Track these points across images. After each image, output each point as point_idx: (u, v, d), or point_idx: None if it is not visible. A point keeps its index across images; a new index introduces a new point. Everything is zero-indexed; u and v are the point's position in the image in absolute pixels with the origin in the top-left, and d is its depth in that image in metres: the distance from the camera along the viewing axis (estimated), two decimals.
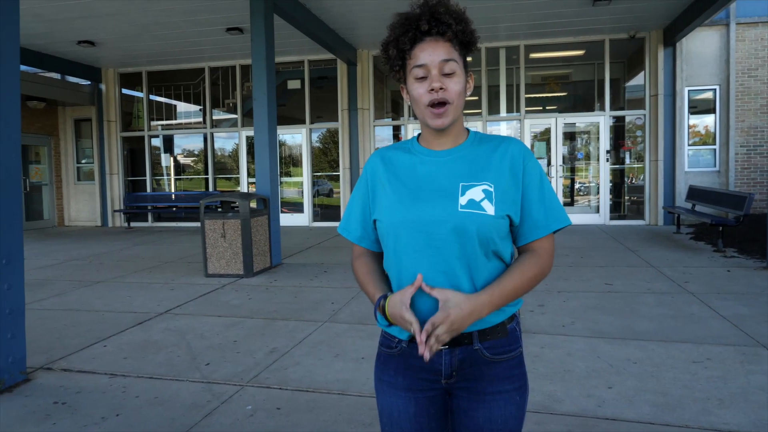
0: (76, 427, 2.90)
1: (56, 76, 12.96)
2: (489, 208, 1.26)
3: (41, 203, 13.84)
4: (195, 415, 3.02)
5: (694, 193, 9.57)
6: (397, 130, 12.64)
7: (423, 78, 1.27)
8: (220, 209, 7.20)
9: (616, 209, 11.68)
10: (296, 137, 12.86)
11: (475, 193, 1.27)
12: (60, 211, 14.14)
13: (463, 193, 1.27)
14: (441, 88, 1.25)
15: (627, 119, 11.54)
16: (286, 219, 12.61)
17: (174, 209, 13.25)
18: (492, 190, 1.28)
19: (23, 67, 11.71)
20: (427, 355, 1.19)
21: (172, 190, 13.77)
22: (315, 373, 3.59)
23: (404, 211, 1.29)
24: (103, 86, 13.38)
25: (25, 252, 9.16)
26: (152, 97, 13.59)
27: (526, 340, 4.11)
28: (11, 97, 3.52)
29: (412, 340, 1.34)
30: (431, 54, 1.25)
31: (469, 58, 1.36)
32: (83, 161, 14.13)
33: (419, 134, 1.42)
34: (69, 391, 3.40)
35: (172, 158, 13.76)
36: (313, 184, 12.83)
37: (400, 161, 1.38)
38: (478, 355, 1.31)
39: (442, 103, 1.27)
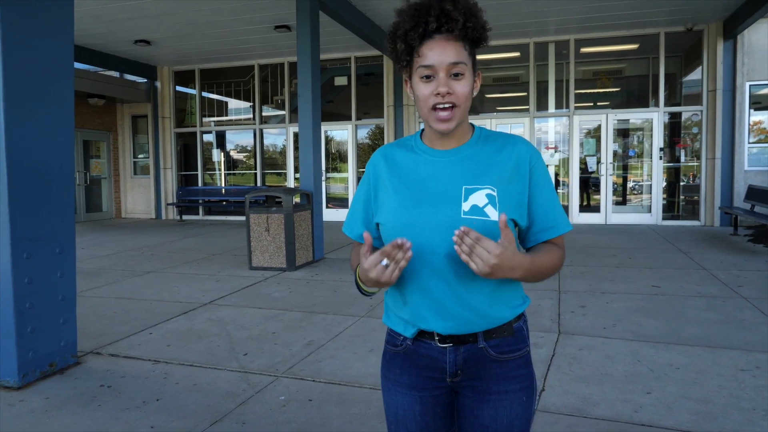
0: (118, 410, 3.05)
1: (115, 74, 13.55)
2: (493, 214, 1.23)
3: (100, 196, 14.52)
4: (230, 403, 3.12)
5: (753, 193, 9.09)
6: None
7: (429, 78, 1.23)
8: (265, 204, 7.36)
9: (670, 209, 11.23)
10: (343, 133, 12.99)
11: (479, 197, 1.24)
12: (117, 203, 14.79)
13: (466, 198, 1.24)
14: (448, 93, 1.21)
15: (684, 116, 11.08)
16: (332, 214, 12.75)
17: (224, 203, 13.65)
18: (495, 194, 1.24)
19: (85, 66, 12.31)
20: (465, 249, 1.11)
21: (223, 185, 14.18)
22: (348, 366, 3.63)
23: (407, 215, 1.27)
24: (158, 84, 13.90)
25: (84, 242, 9.64)
26: (204, 94, 14.01)
27: (564, 342, 4.03)
28: (65, 96, 3.71)
29: (416, 337, 1.33)
30: (440, 55, 1.21)
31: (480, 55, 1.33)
32: (140, 156, 14.72)
33: (422, 130, 1.39)
34: (115, 375, 3.57)
35: (222, 153, 14.17)
36: (359, 179, 12.91)
37: (403, 160, 1.35)
38: (483, 354, 1.29)
39: (447, 107, 1.23)
